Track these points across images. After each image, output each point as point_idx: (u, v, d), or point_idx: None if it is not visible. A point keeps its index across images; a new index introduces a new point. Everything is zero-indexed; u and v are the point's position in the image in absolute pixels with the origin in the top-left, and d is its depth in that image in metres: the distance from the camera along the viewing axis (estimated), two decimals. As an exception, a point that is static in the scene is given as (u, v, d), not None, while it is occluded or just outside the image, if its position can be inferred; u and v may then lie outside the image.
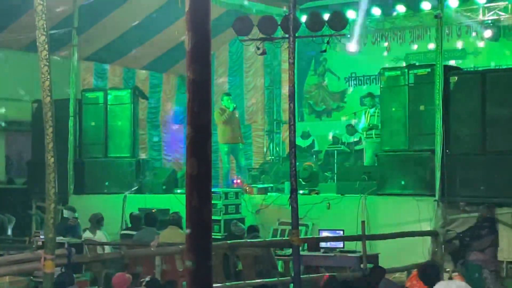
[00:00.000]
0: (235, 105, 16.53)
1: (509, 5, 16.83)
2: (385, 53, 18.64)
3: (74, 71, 15.97)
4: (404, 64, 17.10)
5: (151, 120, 20.29)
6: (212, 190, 3.21)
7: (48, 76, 7.97)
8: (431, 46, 17.15)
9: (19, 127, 17.85)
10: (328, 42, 10.67)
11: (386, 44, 18.78)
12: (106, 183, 15.92)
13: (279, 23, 11.44)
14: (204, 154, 3.01)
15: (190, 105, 3.03)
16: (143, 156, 18.36)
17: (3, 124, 17.73)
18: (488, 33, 17.18)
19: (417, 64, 14.33)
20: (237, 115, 16.76)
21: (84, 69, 18.69)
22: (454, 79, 12.82)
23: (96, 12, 16.60)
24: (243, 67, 20.44)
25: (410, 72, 13.36)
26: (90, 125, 16.27)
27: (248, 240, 11.98)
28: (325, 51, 11.16)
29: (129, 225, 13.89)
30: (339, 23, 11.07)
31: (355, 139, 17.36)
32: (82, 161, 16.19)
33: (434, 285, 8.41)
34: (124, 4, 16.95)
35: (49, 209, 7.98)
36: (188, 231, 3.10)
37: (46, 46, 7.95)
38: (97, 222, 13.31)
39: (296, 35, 10.48)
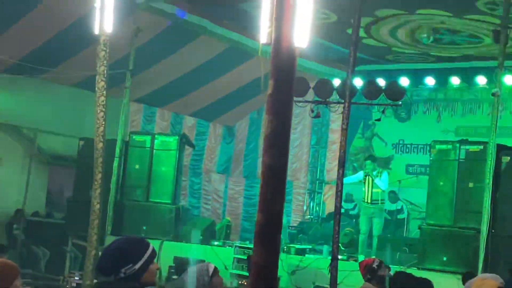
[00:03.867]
0: None
1: None
2: (436, 124, 18.44)
3: (124, 113, 15.97)
4: (454, 136, 16.92)
5: (193, 167, 20.24)
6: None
7: (103, 122, 7.96)
8: (483, 120, 16.92)
9: (63, 162, 17.88)
10: (383, 111, 10.58)
11: (437, 114, 18.58)
12: (144, 227, 15.83)
13: (335, 87, 11.38)
14: (274, 244, 2.83)
15: (263, 191, 2.87)
16: (183, 202, 18.25)
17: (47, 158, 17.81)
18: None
19: (468, 139, 14.10)
20: None
21: (133, 110, 18.77)
22: (506, 159, 12.62)
23: (150, 56, 16.69)
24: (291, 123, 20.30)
25: (461, 147, 13.19)
26: (134, 167, 16.24)
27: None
28: (379, 119, 11.08)
29: (173, 270, 13.69)
30: (396, 93, 11.00)
31: (398, 208, 17.09)
32: (123, 203, 16.12)
33: None
34: (178, 52, 17.03)
35: (89, 255, 7.91)
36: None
37: (105, 92, 7.96)
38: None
39: (352, 101, 10.42)
